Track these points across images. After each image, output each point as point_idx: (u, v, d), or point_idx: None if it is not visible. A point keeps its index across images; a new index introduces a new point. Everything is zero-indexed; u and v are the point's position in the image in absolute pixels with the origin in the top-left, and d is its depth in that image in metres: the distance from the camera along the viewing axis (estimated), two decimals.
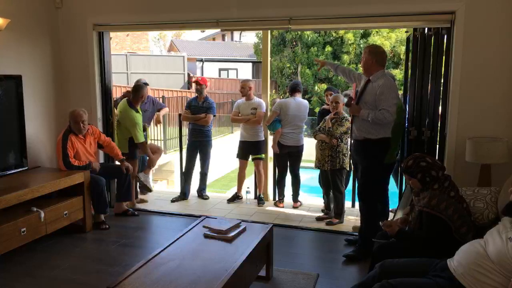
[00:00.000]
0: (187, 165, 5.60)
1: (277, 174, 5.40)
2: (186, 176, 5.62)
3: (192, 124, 5.48)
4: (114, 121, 5.08)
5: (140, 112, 4.94)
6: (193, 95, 6.60)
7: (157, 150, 5.56)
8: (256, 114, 5.20)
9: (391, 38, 13.54)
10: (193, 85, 5.57)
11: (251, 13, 4.26)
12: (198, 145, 5.50)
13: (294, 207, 5.22)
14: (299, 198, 5.33)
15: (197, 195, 5.68)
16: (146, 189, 5.24)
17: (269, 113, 5.27)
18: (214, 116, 5.51)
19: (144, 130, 5.04)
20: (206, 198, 5.61)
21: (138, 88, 4.92)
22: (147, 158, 5.30)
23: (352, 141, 3.92)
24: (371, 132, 3.57)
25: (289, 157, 5.21)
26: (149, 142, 5.47)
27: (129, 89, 5.47)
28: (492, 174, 3.56)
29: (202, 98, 5.45)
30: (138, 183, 5.25)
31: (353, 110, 3.66)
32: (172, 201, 5.48)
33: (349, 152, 4.56)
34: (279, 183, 5.37)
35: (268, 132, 5.42)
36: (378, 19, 3.99)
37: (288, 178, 5.34)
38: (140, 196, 5.46)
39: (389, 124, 3.57)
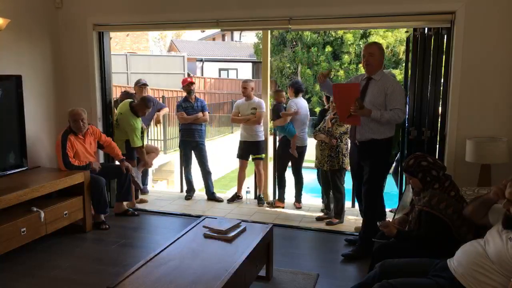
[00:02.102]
0: (187, 165, 5.63)
1: (277, 174, 5.38)
2: (189, 175, 5.64)
3: (186, 124, 5.46)
4: (113, 121, 5.08)
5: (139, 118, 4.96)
6: None
7: (154, 150, 5.56)
8: (256, 114, 5.20)
9: (391, 38, 13.54)
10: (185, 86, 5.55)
11: (251, 13, 4.26)
12: (195, 146, 5.51)
13: (298, 208, 5.21)
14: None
15: (206, 197, 5.59)
16: (135, 185, 5.04)
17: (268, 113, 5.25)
18: (209, 113, 5.60)
19: (142, 132, 5.03)
20: (221, 200, 5.53)
21: (147, 102, 4.89)
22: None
23: (355, 144, 3.76)
24: (378, 132, 3.51)
25: (293, 157, 5.19)
26: (146, 142, 5.49)
27: (128, 89, 5.48)
28: (492, 174, 3.56)
29: (194, 98, 5.47)
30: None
31: (364, 113, 3.43)
32: (187, 198, 5.57)
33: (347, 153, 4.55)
34: (281, 183, 5.34)
35: (268, 132, 5.40)
36: (378, 19, 3.99)
37: (289, 178, 5.32)
38: (140, 196, 5.45)
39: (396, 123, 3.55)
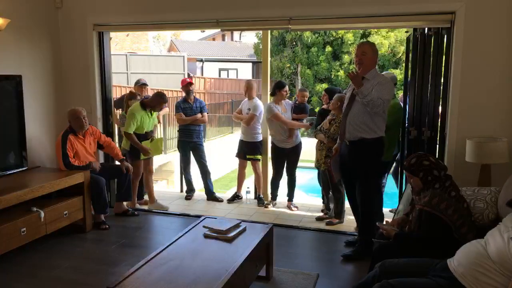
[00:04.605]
0: (186, 166, 5.64)
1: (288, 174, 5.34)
2: (188, 175, 5.65)
3: (185, 125, 5.45)
4: (114, 121, 5.07)
5: (149, 114, 4.88)
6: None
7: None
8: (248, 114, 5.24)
9: (392, 38, 13.53)
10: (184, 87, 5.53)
11: (251, 13, 4.26)
12: (193, 146, 5.51)
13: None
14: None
15: (206, 197, 5.60)
16: (163, 209, 5.13)
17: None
18: (208, 113, 5.65)
19: (151, 138, 4.99)
20: (221, 200, 5.54)
21: (164, 97, 4.83)
22: (144, 192, 5.36)
23: (345, 144, 3.65)
24: (368, 131, 3.46)
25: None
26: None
27: (133, 90, 5.46)
28: (492, 174, 3.56)
29: (192, 99, 5.47)
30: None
31: (357, 82, 3.36)
32: (187, 198, 5.60)
33: None
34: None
35: (268, 132, 5.39)
36: (378, 19, 3.99)
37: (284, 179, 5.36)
38: (145, 197, 5.41)
39: (383, 121, 3.51)
